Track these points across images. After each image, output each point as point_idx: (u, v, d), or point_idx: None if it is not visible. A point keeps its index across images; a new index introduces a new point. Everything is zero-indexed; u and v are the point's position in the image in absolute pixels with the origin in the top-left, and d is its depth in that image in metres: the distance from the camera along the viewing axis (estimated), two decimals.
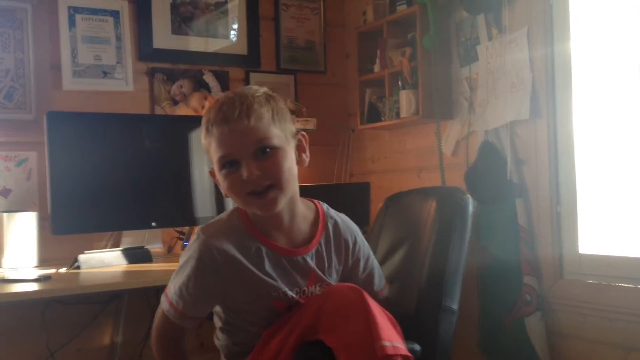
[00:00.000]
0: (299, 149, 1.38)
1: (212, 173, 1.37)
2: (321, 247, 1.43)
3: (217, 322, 1.47)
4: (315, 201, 1.49)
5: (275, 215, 1.35)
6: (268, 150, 1.29)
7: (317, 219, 1.45)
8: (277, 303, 1.37)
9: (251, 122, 1.27)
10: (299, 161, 1.38)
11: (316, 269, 1.41)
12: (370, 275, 1.54)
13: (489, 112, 2.32)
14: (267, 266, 1.35)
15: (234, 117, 1.26)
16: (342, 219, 1.50)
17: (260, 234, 1.37)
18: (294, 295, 1.37)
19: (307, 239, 1.41)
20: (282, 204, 1.33)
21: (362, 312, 1.23)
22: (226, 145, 1.28)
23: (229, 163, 1.29)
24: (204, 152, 1.36)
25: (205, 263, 1.32)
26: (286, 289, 1.36)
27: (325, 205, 1.50)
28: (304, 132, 1.40)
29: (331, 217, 1.47)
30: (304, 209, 1.44)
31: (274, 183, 1.29)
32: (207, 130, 1.31)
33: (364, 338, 1.20)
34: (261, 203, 1.30)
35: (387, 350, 1.18)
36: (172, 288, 1.38)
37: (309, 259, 1.40)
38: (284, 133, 1.33)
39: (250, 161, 1.27)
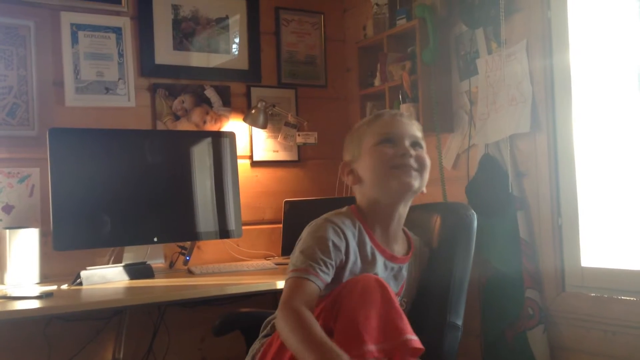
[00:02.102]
0: None
1: (343, 166, 1.61)
2: (411, 263, 1.63)
3: None
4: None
5: (390, 213, 1.55)
6: (419, 147, 1.57)
7: (408, 240, 1.66)
8: None
9: (415, 125, 1.60)
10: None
11: (406, 282, 1.60)
12: None
13: (489, 125, 2.33)
14: (378, 266, 1.53)
15: (406, 115, 1.63)
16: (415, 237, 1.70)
17: (367, 226, 1.55)
18: None
19: (403, 254, 1.61)
20: (415, 191, 1.54)
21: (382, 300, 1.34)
22: (395, 127, 1.55)
23: (389, 140, 1.53)
24: (353, 142, 1.59)
25: (333, 227, 1.49)
26: None
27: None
28: None
29: (415, 238, 1.68)
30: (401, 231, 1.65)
31: (418, 170, 1.53)
32: (376, 117, 1.59)
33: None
34: (402, 173, 1.51)
35: (414, 343, 1.33)
36: (294, 259, 1.45)
37: (404, 270, 1.60)
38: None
39: (408, 144, 1.54)
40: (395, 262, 1.57)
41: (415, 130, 1.58)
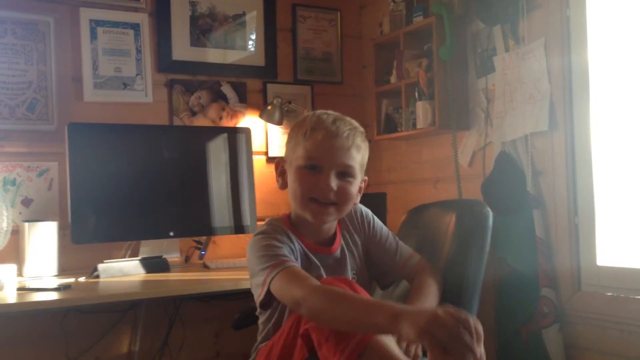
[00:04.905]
0: (359, 189, 1.54)
1: (279, 163, 1.55)
2: (343, 249, 1.59)
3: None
4: None
5: (317, 226, 1.52)
6: (348, 177, 1.47)
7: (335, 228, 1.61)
8: None
9: (352, 148, 1.46)
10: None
11: (349, 257, 1.57)
12: (393, 246, 1.66)
13: (506, 123, 2.32)
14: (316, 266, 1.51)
15: (342, 135, 1.45)
16: (355, 211, 1.64)
17: (299, 234, 1.52)
18: None
19: (330, 243, 1.57)
20: (331, 222, 1.53)
21: None
22: (323, 151, 1.44)
23: (313, 166, 1.45)
24: (290, 144, 1.52)
25: (276, 233, 1.47)
26: None
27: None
28: (366, 179, 1.57)
29: (344, 222, 1.62)
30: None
31: (338, 203, 1.47)
32: (312, 129, 1.45)
33: None
34: (318, 211, 1.46)
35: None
36: (259, 266, 1.40)
37: (338, 253, 1.56)
38: (362, 172, 1.53)
39: (333, 175, 1.44)
40: (331, 254, 1.55)
41: (348, 156, 1.45)
